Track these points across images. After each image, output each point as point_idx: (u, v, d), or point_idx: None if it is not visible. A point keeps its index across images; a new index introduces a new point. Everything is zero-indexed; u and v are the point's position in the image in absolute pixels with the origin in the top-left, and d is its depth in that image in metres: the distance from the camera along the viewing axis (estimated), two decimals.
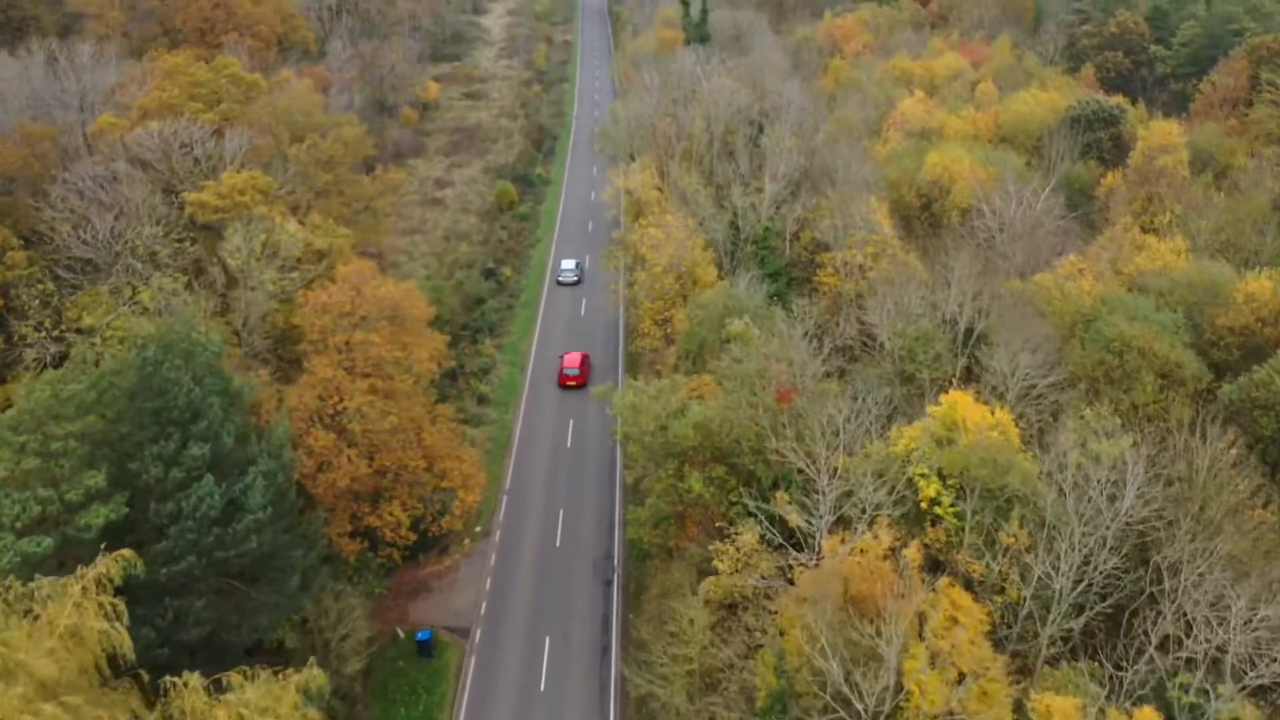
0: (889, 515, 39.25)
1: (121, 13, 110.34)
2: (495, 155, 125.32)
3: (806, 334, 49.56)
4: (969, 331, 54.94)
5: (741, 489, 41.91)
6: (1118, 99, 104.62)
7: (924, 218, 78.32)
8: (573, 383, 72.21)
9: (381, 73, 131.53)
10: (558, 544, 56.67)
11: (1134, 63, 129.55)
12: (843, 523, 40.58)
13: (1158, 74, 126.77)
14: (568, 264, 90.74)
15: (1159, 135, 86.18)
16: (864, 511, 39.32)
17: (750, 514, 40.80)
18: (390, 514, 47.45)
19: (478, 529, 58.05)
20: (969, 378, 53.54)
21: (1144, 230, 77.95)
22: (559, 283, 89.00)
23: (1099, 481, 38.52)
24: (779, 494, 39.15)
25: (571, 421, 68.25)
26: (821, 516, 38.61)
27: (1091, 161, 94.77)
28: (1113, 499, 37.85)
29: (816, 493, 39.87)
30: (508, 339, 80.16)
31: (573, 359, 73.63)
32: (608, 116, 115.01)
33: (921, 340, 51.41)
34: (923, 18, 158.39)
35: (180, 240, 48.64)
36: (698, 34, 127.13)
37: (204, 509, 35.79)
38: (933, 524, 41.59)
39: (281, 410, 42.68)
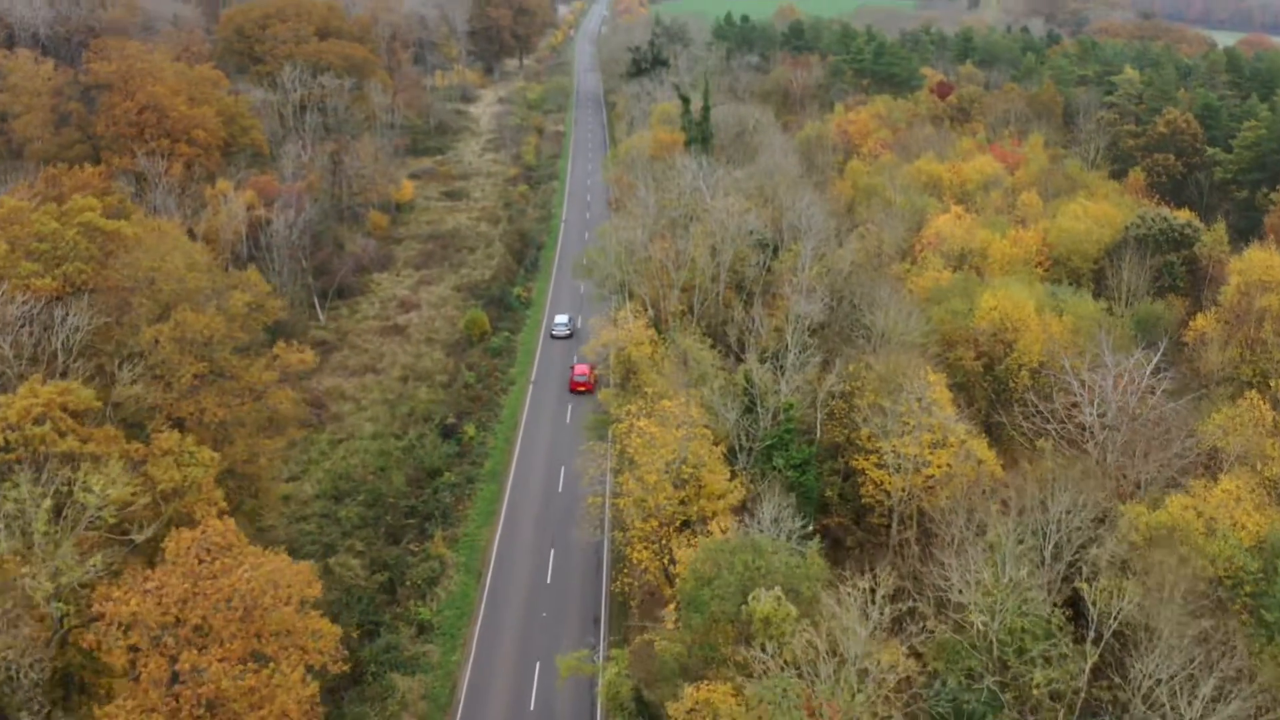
0: None
1: (41, 113, 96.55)
2: (471, 269, 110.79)
3: (873, 629, 33.20)
4: (1084, 591, 38.76)
5: None
6: (1185, 214, 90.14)
7: (986, 381, 62.74)
8: (583, 389, 77.15)
9: (347, 175, 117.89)
10: None
11: (1187, 166, 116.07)
12: None
13: (1215, 179, 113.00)
14: (561, 319, 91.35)
15: (1258, 268, 71.22)
16: None
17: None
18: None
19: None
20: (1098, 674, 37.26)
21: (1251, 386, 62.84)
22: (552, 336, 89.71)
23: None
24: None
25: (538, 665, 51.68)
26: None
27: (1171, 296, 79.67)
28: None
29: None
30: (464, 528, 63.88)
31: (582, 369, 78.18)
32: (596, 233, 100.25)
33: (1032, 631, 35.21)
34: (941, 111, 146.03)
35: None
36: (699, 133, 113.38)
37: None
38: None
39: None
